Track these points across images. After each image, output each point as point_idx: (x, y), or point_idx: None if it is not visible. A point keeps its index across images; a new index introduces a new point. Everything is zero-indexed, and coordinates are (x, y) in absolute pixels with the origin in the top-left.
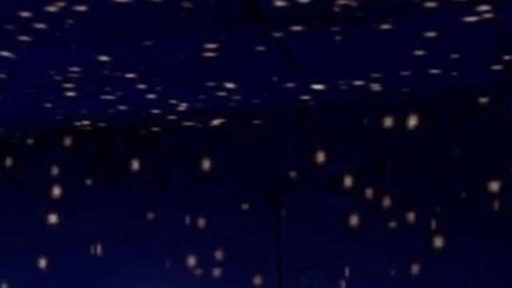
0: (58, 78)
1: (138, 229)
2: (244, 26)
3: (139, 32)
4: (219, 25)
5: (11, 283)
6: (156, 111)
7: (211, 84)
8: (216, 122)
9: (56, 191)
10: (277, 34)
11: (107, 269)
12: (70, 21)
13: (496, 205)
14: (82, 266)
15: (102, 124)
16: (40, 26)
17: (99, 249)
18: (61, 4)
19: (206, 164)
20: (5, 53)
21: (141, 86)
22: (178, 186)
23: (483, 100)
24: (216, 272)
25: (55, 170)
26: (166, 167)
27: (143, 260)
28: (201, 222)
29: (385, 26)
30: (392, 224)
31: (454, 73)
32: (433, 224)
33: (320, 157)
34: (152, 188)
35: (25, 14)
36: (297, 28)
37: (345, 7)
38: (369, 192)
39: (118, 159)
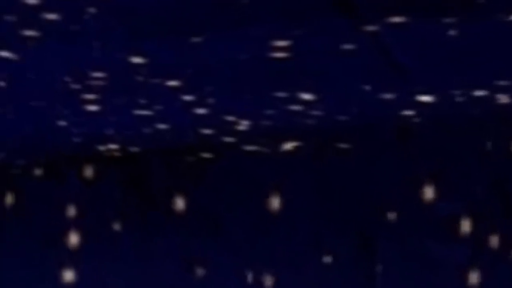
0: (76, 86)
1: None
2: (326, 18)
3: (184, 26)
4: (293, 16)
5: None
6: (207, 131)
7: (281, 94)
8: (288, 145)
9: (73, 239)
10: (371, 28)
11: None
12: (91, 9)
13: None
14: None
15: (135, 149)
16: (51, 16)
17: None
18: None
19: (274, 202)
20: (5, 53)
21: (187, 98)
22: (236, 231)
23: None
24: None
25: (71, 211)
26: (220, 205)
27: None
28: (268, 280)
29: None
30: None
31: None
32: None
33: (428, 192)
34: (202, 234)
35: (31, 0)
36: (397, 19)
37: None
38: (493, 240)
39: (157, 196)
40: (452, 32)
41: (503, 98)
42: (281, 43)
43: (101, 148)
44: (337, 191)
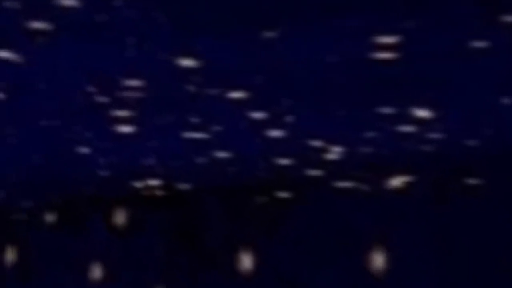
0: (102, 99)
1: None
2: (449, 6)
3: (252, 17)
4: (403, 4)
5: None
6: (284, 161)
7: (386, 110)
8: (396, 181)
9: None
10: (511, 19)
11: None
12: None
13: None
14: None
15: (184, 186)
16: (67, 3)
17: None
18: None
19: (376, 259)
20: (5, 54)
21: (257, 115)
22: None
23: None
24: None
25: (96, 271)
26: (300, 262)
27: None
28: None
29: None
30: None
31: None
32: None
33: None
34: None
35: None
36: None
37: None
38: None
39: (214, 250)
40: None
41: None
42: (387, 40)
43: (138, 184)
44: (463, 243)
